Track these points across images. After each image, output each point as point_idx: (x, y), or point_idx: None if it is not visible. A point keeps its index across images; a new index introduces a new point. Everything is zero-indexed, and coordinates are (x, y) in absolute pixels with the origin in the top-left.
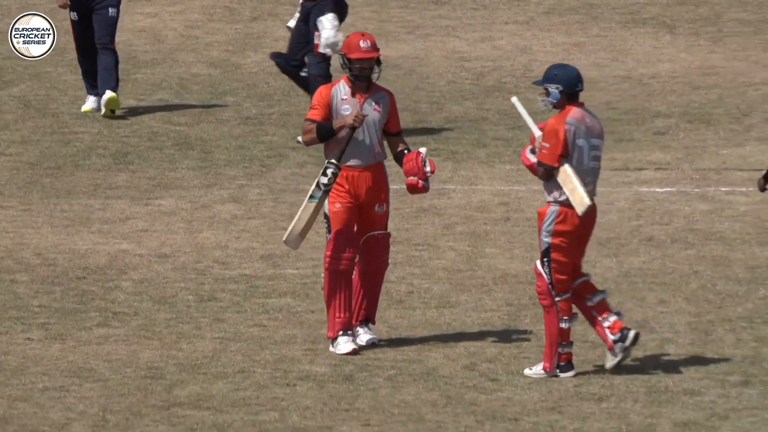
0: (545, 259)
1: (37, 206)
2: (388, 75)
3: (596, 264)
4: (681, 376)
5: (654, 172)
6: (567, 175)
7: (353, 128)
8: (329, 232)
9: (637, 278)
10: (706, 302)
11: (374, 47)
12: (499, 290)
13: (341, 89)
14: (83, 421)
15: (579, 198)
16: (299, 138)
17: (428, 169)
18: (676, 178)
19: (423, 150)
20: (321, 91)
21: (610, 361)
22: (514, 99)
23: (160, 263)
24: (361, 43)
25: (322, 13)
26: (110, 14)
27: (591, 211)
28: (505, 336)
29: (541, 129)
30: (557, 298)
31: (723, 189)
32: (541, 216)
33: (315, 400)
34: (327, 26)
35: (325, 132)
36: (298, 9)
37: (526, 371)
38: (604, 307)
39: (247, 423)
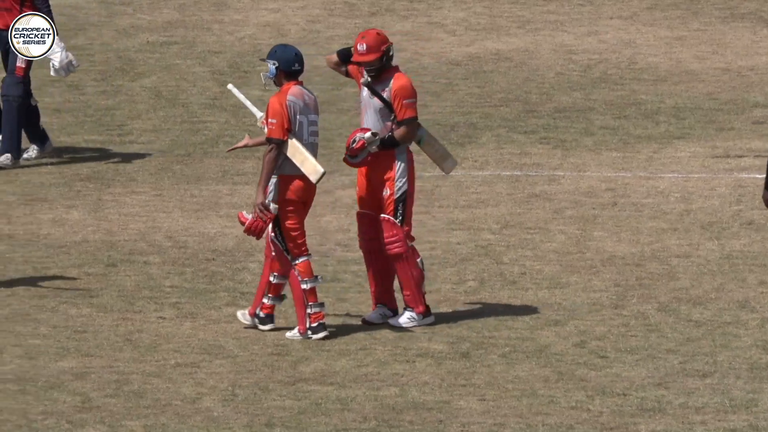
0: (276, 229)
1: (168, 192)
2: (500, 67)
3: (699, 246)
4: None
5: (753, 159)
6: (296, 147)
7: None
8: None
9: (738, 260)
10: None
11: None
12: (607, 271)
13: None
14: (213, 396)
15: (311, 167)
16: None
17: None
18: None
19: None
20: None
21: (292, 333)
22: (230, 86)
23: None
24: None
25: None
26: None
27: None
28: (613, 315)
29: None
30: (295, 262)
31: None
32: None
33: (433, 375)
34: (57, 49)
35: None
36: None
37: (287, 334)
38: (313, 295)
39: (368, 398)
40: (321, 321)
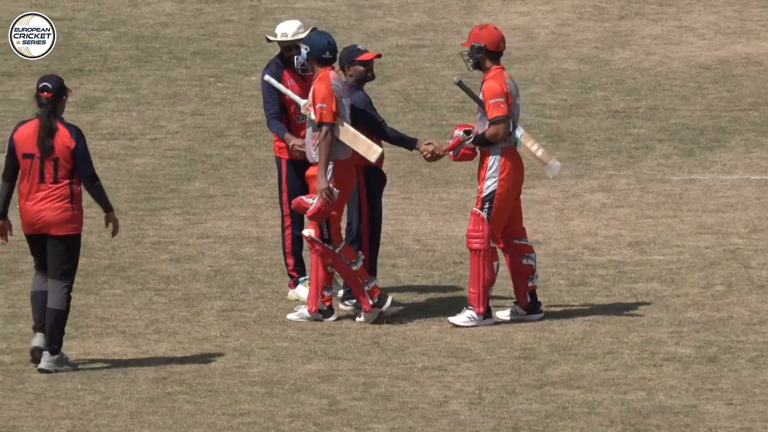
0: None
1: (417, 195)
2: (749, 71)
3: None
4: None
5: None
6: (348, 129)
7: None
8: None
9: None
10: None
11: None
12: None
13: None
14: (460, 399)
15: (366, 146)
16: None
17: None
18: None
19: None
20: None
21: (361, 317)
22: (267, 76)
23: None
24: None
25: None
26: None
27: (352, 166)
28: None
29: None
30: (338, 249)
31: None
32: (311, 178)
33: (680, 380)
34: None
35: None
36: None
37: (358, 319)
38: (364, 273)
39: (615, 402)
40: (381, 293)
